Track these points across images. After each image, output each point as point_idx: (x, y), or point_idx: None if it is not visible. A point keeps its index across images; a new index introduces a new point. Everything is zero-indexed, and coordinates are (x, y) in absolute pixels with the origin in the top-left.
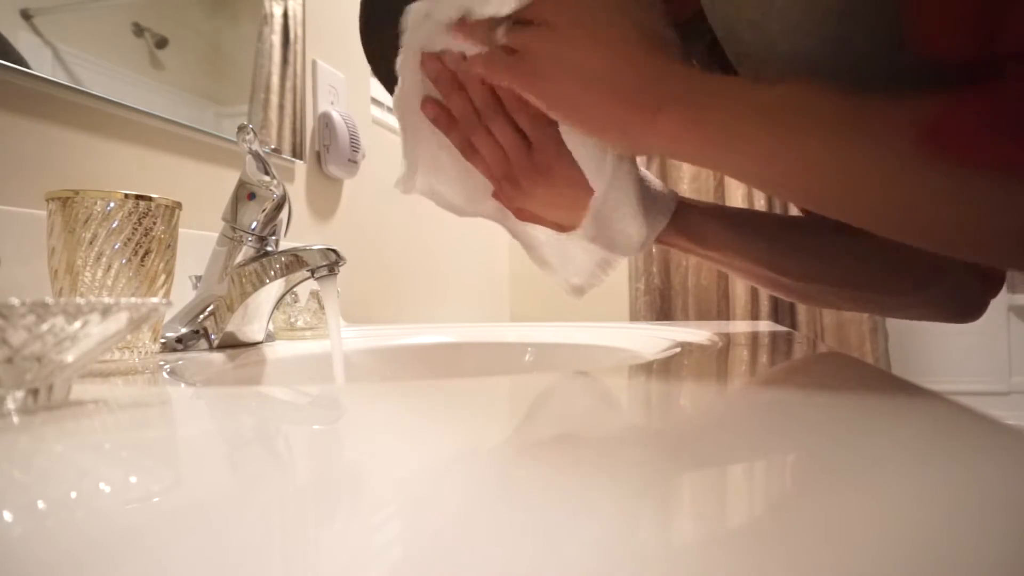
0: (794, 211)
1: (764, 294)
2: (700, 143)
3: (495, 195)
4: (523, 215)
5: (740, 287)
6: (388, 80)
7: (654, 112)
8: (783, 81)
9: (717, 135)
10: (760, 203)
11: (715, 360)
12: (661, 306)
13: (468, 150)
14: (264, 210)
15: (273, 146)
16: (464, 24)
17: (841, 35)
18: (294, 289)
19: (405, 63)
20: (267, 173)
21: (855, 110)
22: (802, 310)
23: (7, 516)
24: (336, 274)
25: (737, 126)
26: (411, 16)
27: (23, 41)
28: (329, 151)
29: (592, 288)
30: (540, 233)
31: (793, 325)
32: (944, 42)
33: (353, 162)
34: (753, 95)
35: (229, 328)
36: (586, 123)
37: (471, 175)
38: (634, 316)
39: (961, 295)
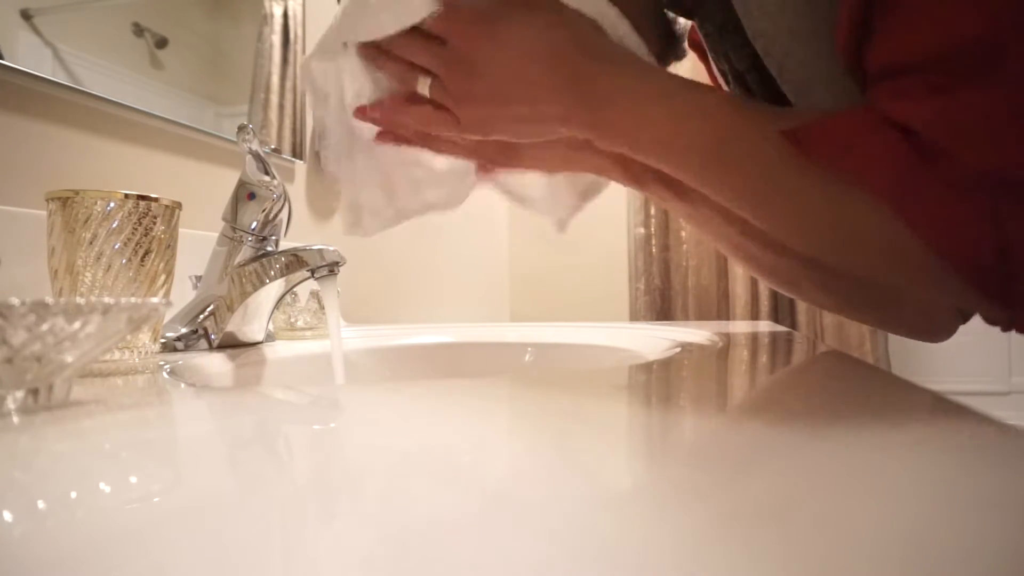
0: None
1: (764, 294)
2: (623, 149)
3: (480, 171)
4: (512, 168)
5: (740, 287)
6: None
7: (585, 132)
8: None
9: (633, 145)
10: None
11: (715, 360)
12: (661, 306)
13: (435, 147)
14: (264, 210)
15: (273, 146)
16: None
17: (806, 22)
18: (294, 289)
19: (329, 114)
20: (267, 173)
21: (743, 108)
22: (802, 310)
23: (7, 516)
24: (336, 274)
25: (643, 138)
26: (308, 73)
27: (23, 41)
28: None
29: (573, 218)
30: (525, 177)
31: (793, 325)
32: (846, 56)
33: None
34: (650, 110)
35: (229, 328)
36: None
37: (450, 167)
38: (634, 316)
39: (930, 315)
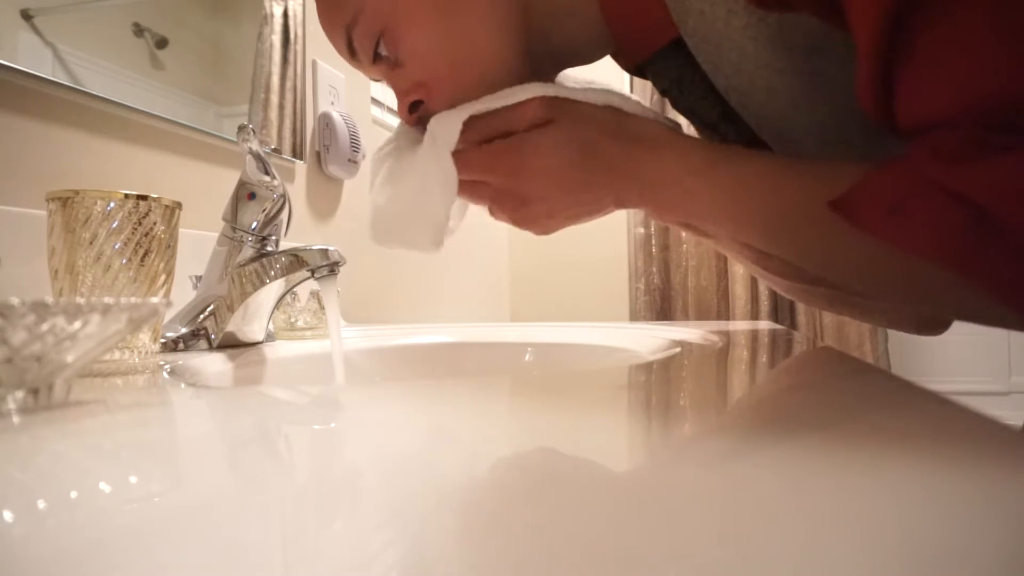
0: None
1: (764, 294)
2: (677, 221)
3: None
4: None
5: (740, 287)
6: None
7: (642, 208)
8: (729, 153)
9: (687, 215)
10: None
11: (715, 360)
12: (661, 306)
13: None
14: (264, 210)
15: (273, 146)
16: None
17: (808, 70)
18: (294, 289)
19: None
20: (267, 173)
21: (790, 177)
22: (802, 311)
23: (7, 516)
24: (336, 274)
25: (692, 209)
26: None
27: (23, 41)
28: (329, 151)
29: None
30: None
31: (793, 325)
32: (873, 113)
33: (353, 162)
34: (692, 183)
35: (229, 328)
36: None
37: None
38: (634, 316)
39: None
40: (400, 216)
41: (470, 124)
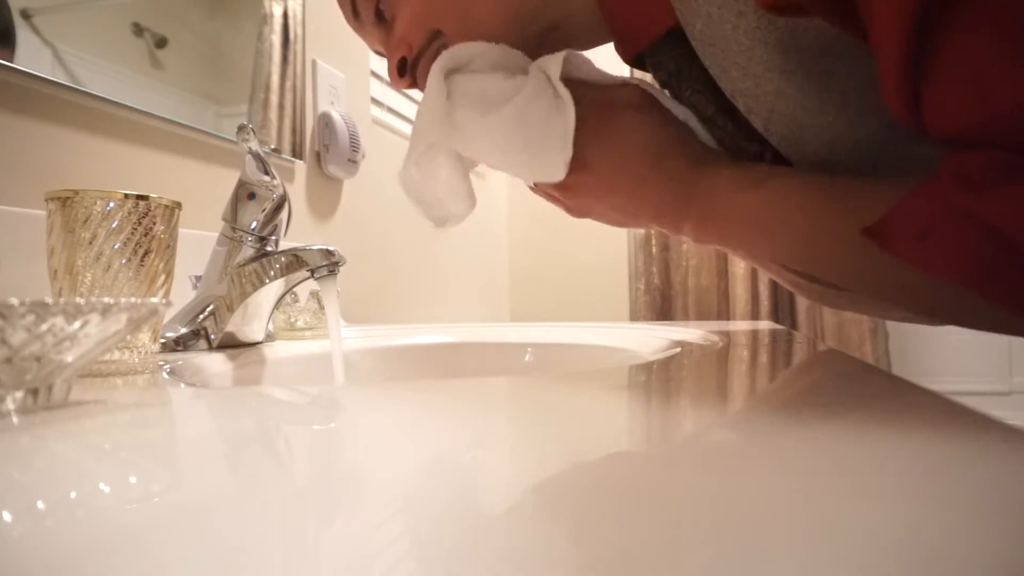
0: None
1: (764, 294)
2: (713, 240)
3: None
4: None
5: (740, 287)
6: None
7: (677, 226)
8: (767, 173)
9: (723, 235)
10: None
11: (715, 360)
12: (661, 306)
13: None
14: (264, 210)
15: (273, 146)
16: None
17: (820, 72)
18: (294, 289)
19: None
20: (267, 173)
21: (826, 199)
22: (802, 310)
23: (7, 516)
24: (336, 274)
25: (734, 228)
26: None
27: (22, 41)
28: (329, 151)
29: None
30: None
31: (793, 325)
32: (905, 122)
33: (353, 162)
34: (742, 199)
35: (229, 328)
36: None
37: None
38: (634, 316)
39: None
40: (524, 137)
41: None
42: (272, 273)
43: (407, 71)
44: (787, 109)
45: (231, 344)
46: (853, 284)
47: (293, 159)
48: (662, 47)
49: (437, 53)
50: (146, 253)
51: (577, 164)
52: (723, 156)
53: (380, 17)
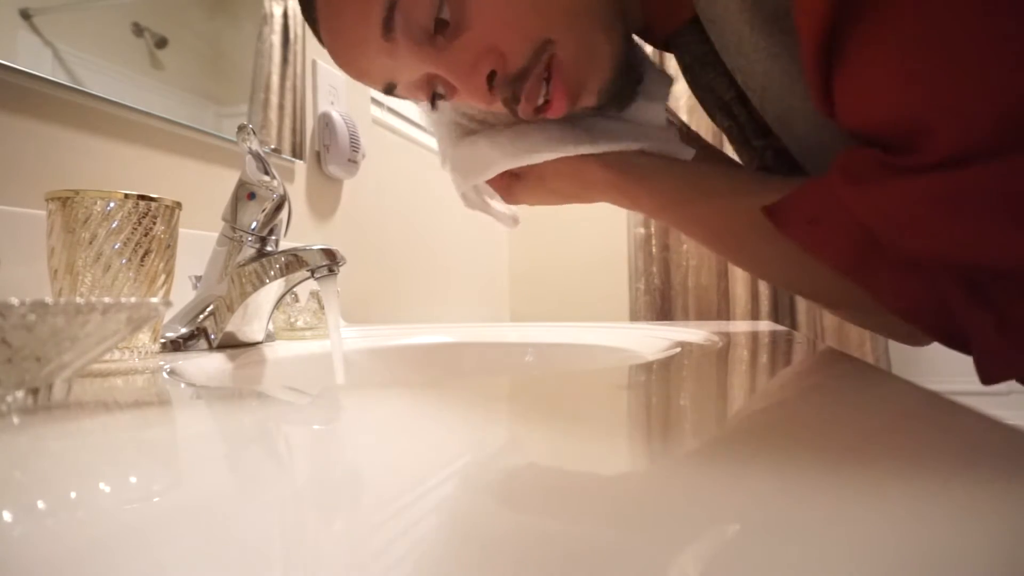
0: None
1: (764, 294)
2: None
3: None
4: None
5: (740, 287)
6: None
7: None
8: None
9: (647, 205)
10: None
11: (715, 360)
12: (661, 306)
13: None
14: (264, 210)
15: (273, 146)
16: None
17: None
18: (294, 289)
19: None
20: (267, 173)
21: (734, 181)
22: (802, 311)
23: (7, 516)
24: (336, 274)
25: (648, 200)
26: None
27: (22, 41)
28: (329, 151)
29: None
30: None
31: (793, 325)
32: (823, 113)
33: (353, 162)
34: (667, 177)
35: (229, 328)
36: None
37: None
38: (634, 316)
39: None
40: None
41: None
42: (272, 273)
43: (506, 85)
44: (775, 91)
45: (231, 344)
46: (763, 272)
47: (293, 159)
48: (690, 31)
49: (548, 65)
50: (146, 253)
51: (533, 184)
52: (660, 169)
53: (438, 28)
